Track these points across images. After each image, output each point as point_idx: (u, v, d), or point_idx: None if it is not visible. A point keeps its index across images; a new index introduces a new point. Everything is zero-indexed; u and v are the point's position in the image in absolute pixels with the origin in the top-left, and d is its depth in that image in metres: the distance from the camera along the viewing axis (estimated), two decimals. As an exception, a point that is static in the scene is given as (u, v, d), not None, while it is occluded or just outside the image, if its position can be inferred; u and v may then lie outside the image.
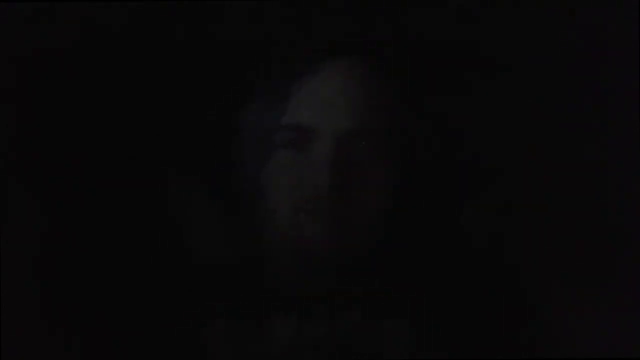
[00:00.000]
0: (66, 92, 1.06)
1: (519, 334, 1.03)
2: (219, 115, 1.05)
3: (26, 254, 1.04)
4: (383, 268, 1.02)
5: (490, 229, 1.05)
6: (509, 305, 1.03)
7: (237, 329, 1.02)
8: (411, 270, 1.03)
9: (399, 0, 1.05)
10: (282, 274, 1.02)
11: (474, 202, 1.05)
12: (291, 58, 1.02)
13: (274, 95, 1.02)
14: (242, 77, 1.04)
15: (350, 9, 1.04)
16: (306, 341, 1.01)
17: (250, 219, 1.04)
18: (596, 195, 1.06)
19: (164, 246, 1.04)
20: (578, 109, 1.06)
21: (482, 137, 1.05)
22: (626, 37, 1.06)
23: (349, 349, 1.01)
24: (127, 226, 1.04)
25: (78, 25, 1.06)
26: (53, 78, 1.06)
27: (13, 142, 1.05)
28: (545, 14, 1.06)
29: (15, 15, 1.05)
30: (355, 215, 1.01)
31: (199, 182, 1.05)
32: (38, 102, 1.05)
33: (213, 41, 1.06)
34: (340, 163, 1.00)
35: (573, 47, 1.06)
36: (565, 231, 1.05)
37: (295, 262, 1.01)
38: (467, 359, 1.02)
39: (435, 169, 1.04)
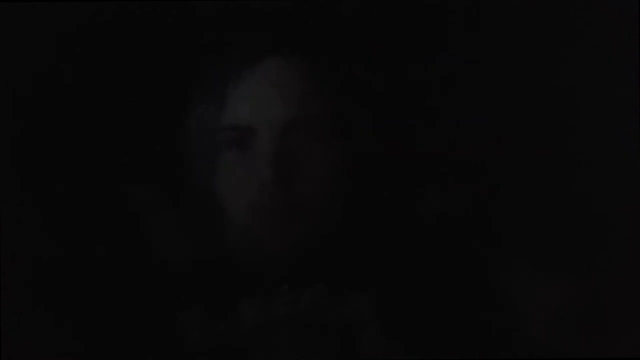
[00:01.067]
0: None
1: (478, 309, 1.05)
2: (165, 120, 1.08)
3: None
4: (342, 251, 1.05)
5: (438, 210, 1.08)
6: (464, 277, 1.06)
7: (207, 314, 1.05)
8: (370, 251, 1.06)
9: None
10: (244, 265, 1.05)
11: (424, 182, 1.08)
12: (226, 58, 1.05)
13: (213, 97, 1.05)
14: (182, 80, 1.07)
15: (283, 6, 1.07)
16: (272, 319, 1.03)
17: (207, 222, 1.06)
18: (559, 176, 1.09)
19: (130, 249, 1.07)
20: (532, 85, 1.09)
21: (421, 121, 1.08)
22: (626, 37, 1.07)
23: (314, 324, 1.03)
24: (95, 234, 1.08)
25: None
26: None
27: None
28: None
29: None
30: (304, 206, 1.03)
31: (153, 190, 1.08)
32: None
33: (151, 43, 1.08)
34: (281, 156, 1.02)
35: (573, 46, 1.07)
36: (511, 209, 1.09)
37: (255, 257, 1.04)
38: (433, 330, 1.04)
39: (376, 154, 1.06)
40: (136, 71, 1.08)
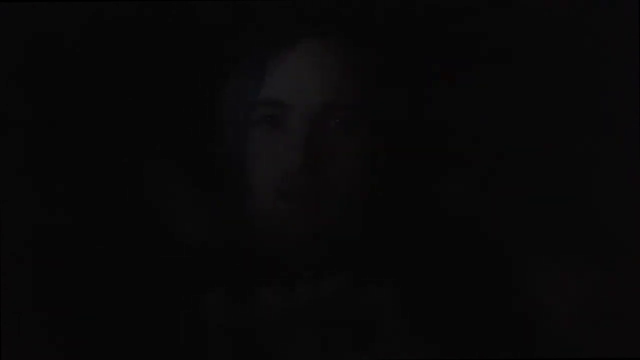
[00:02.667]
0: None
1: (501, 303, 1.04)
2: (197, 96, 1.07)
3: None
4: (366, 242, 1.04)
5: (468, 203, 1.07)
6: (490, 272, 1.05)
7: (230, 299, 1.04)
8: (393, 241, 1.04)
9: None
10: (267, 251, 1.04)
11: (452, 177, 1.07)
12: (268, 35, 1.04)
13: (251, 72, 1.04)
14: (220, 56, 1.06)
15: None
16: (294, 308, 1.03)
17: (232, 203, 1.05)
18: (579, 171, 1.08)
19: (152, 231, 1.06)
20: (559, 89, 1.08)
21: (460, 114, 1.07)
22: (626, 37, 1.07)
23: (336, 314, 1.02)
24: (114, 214, 1.07)
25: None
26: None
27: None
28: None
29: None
30: (331, 194, 1.02)
31: (180, 167, 1.08)
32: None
33: (189, 19, 1.07)
34: (314, 139, 1.01)
35: (572, 46, 1.07)
36: (543, 207, 1.08)
37: (278, 243, 1.03)
38: (453, 323, 1.03)
39: (411, 145, 1.05)
40: (171, 45, 1.07)
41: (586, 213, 1.07)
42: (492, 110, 1.07)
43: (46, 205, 1.06)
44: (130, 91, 1.07)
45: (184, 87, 1.07)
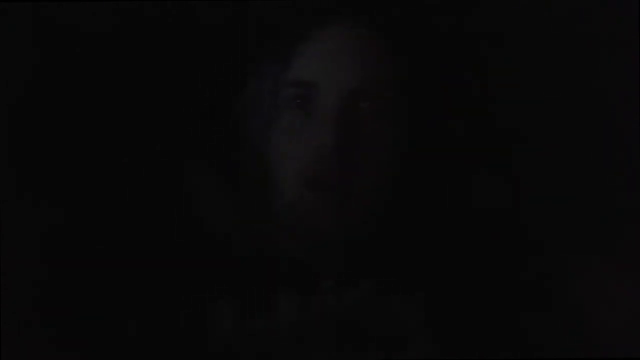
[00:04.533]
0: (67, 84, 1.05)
1: (532, 313, 1.00)
2: (226, 82, 1.03)
3: (33, 239, 1.03)
4: (392, 242, 0.99)
5: (501, 199, 1.02)
6: (523, 282, 1.00)
7: (243, 304, 0.99)
8: (421, 245, 0.99)
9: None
10: (289, 248, 0.99)
11: (485, 171, 1.02)
12: (298, 17, 1.01)
13: (279, 55, 1.00)
14: (250, 39, 1.02)
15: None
16: (312, 317, 0.97)
17: (257, 195, 1.01)
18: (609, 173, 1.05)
19: (171, 223, 1.02)
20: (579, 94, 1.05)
21: (491, 104, 1.03)
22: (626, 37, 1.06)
23: (356, 325, 0.97)
24: (132, 204, 1.03)
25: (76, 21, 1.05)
26: (52, 76, 1.05)
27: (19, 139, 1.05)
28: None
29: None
30: (361, 184, 0.97)
31: (206, 160, 1.03)
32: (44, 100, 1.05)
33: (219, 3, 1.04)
34: (345, 121, 0.97)
35: (573, 46, 1.07)
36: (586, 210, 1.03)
37: (302, 239, 0.98)
38: (478, 338, 0.98)
39: (442, 134, 1.01)
40: (200, 32, 1.04)
41: (627, 212, 1.03)
42: (529, 101, 1.03)
43: (62, 205, 1.04)
44: (158, 82, 1.04)
45: (210, 76, 1.03)
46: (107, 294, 1.01)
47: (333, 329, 0.97)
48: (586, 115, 1.05)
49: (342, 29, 0.99)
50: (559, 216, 1.02)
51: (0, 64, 1.05)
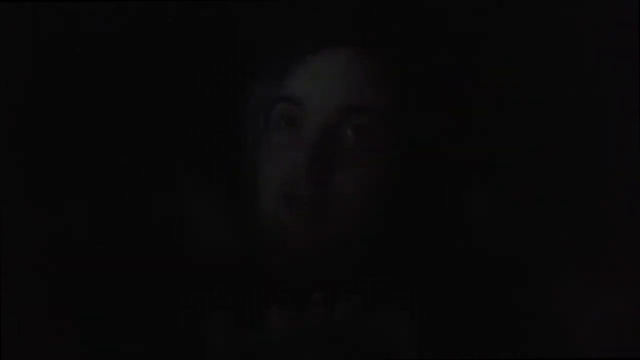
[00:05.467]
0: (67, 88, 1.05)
1: (520, 327, 1.00)
2: (220, 99, 1.04)
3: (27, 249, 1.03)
4: (378, 259, 0.99)
5: (490, 218, 1.02)
6: (511, 297, 1.00)
7: (233, 320, 0.99)
8: (409, 261, 0.99)
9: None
10: (275, 264, 1.00)
11: (473, 192, 1.02)
12: (292, 42, 1.02)
13: (273, 75, 1.02)
14: (243, 62, 1.04)
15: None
16: (301, 332, 0.98)
17: (243, 210, 1.02)
18: (599, 187, 1.05)
19: (161, 238, 1.03)
20: (578, 105, 1.06)
21: (482, 128, 1.03)
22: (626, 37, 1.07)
23: (346, 339, 0.97)
24: (124, 219, 1.04)
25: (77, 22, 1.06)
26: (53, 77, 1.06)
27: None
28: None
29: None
30: (339, 205, 0.97)
31: (197, 173, 1.05)
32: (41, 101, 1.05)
33: (213, 25, 1.05)
34: (326, 142, 0.97)
35: (573, 46, 1.07)
36: (570, 223, 1.04)
37: (283, 255, 0.98)
38: (467, 352, 0.98)
39: (431, 158, 1.01)
40: (194, 51, 1.06)
41: (614, 229, 1.04)
42: (516, 119, 1.04)
43: (61, 211, 1.04)
44: (153, 95, 1.05)
45: (206, 91, 1.05)
46: (99, 304, 1.01)
47: (324, 343, 0.97)
48: (584, 120, 1.06)
49: (334, 51, 1.00)
50: (546, 238, 1.03)
51: (1, 65, 1.05)
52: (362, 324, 0.98)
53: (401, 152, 1.00)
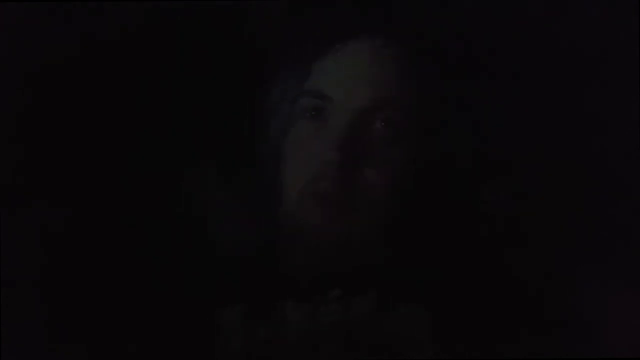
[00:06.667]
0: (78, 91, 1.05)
1: (537, 326, 0.99)
2: (243, 92, 1.03)
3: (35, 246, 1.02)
4: (398, 256, 0.98)
5: (510, 216, 1.01)
6: (524, 294, 0.99)
7: (250, 314, 0.98)
8: (427, 258, 0.98)
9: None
10: (294, 259, 0.99)
11: (491, 189, 1.01)
12: (319, 33, 1.01)
13: (298, 66, 1.00)
14: (269, 53, 1.03)
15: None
16: (319, 326, 0.97)
17: (266, 204, 1.01)
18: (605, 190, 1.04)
19: (181, 231, 1.01)
20: (582, 105, 1.06)
21: (499, 126, 1.02)
22: (626, 37, 1.07)
23: (362, 336, 0.97)
24: (141, 212, 1.02)
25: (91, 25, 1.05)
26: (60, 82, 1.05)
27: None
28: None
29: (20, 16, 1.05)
30: (365, 201, 0.96)
31: (220, 168, 1.03)
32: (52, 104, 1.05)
33: (239, 14, 1.04)
34: (355, 137, 0.96)
35: (574, 46, 1.07)
36: (588, 222, 1.03)
37: (305, 250, 0.98)
38: (482, 348, 0.97)
39: (452, 155, 1.00)
40: (220, 44, 1.04)
41: (632, 228, 1.03)
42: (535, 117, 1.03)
43: (66, 207, 1.04)
44: (176, 88, 1.04)
45: (230, 85, 1.03)
46: (112, 299, 1.00)
47: (339, 339, 0.97)
48: (606, 119, 1.05)
49: (361, 44, 0.99)
50: (563, 237, 1.02)
51: (2, 65, 1.05)
52: (379, 322, 0.97)
53: (427, 146, 0.99)
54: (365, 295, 0.97)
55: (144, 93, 1.04)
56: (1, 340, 1.01)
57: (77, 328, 1.00)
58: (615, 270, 1.02)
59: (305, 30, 1.02)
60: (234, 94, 1.03)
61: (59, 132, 1.04)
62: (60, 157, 1.04)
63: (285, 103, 1.01)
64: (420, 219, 0.99)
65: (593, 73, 1.06)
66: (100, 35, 1.05)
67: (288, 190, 0.99)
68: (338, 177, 0.96)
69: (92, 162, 1.03)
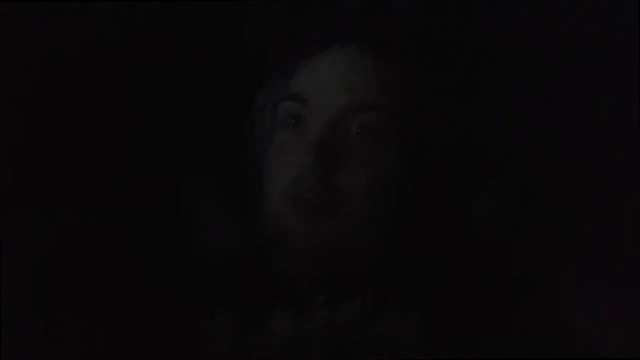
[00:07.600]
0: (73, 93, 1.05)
1: (526, 329, 0.98)
2: (227, 97, 1.04)
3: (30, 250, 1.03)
4: (384, 260, 0.98)
5: (498, 219, 1.01)
6: (517, 300, 0.99)
7: (237, 321, 0.98)
8: (414, 262, 0.98)
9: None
10: (280, 264, 0.98)
11: (481, 192, 1.01)
12: (299, 42, 1.02)
13: (281, 75, 1.02)
14: (252, 62, 1.04)
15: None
16: (305, 334, 0.96)
17: (249, 211, 1.01)
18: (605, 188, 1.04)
19: (166, 238, 1.02)
20: (581, 105, 1.06)
21: (485, 131, 1.02)
22: (626, 37, 1.07)
23: (350, 342, 0.96)
24: (128, 220, 1.03)
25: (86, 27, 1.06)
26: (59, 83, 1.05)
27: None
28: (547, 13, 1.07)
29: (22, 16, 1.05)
30: (344, 206, 0.96)
31: (202, 171, 1.04)
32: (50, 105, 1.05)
33: (222, 29, 1.05)
34: (331, 141, 0.97)
35: (574, 47, 1.07)
36: (580, 224, 1.03)
37: (287, 256, 0.97)
38: (475, 354, 0.97)
39: (438, 160, 1.00)
40: (203, 49, 1.05)
41: (623, 229, 1.02)
42: (524, 124, 1.03)
43: (68, 211, 1.04)
44: (159, 95, 1.05)
45: (213, 91, 1.05)
46: (101, 306, 1.00)
47: (327, 345, 0.96)
48: (597, 121, 1.05)
49: (341, 51, 1.00)
50: (554, 244, 1.02)
51: (2, 66, 1.05)
52: (366, 327, 0.96)
53: (407, 150, 0.99)
54: (352, 300, 0.97)
55: (143, 93, 1.04)
56: (1, 340, 1.01)
57: (67, 331, 1.00)
58: (615, 271, 1.02)
59: (287, 38, 1.03)
60: (217, 101, 1.05)
61: (58, 132, 1.05)
62: (58, 157, 1.04)
63: (268, 109, 1.02)
64: (404, 223, 0.99)
65: (593, 73, 1.06)
66: (99, 35, 1.05)
67: (270, 196, 0.99)
68: (315, 181, 0.96)
69: (89, 162, 1.04)
